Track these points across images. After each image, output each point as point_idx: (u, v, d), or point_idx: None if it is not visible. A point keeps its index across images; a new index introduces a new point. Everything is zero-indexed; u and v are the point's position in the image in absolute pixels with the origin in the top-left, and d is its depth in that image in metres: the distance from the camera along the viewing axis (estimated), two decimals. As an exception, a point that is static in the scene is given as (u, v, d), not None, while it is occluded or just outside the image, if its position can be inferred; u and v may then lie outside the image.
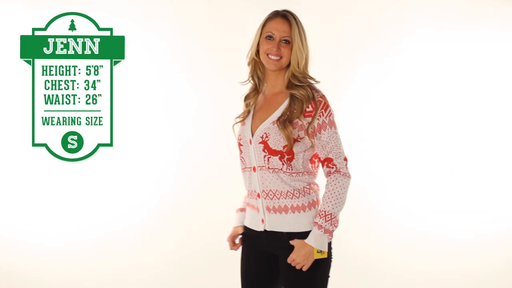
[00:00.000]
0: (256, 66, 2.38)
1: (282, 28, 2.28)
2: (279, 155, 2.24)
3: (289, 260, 2.21)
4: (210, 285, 3.93)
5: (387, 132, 4.02)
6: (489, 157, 4.04)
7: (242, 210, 2.48)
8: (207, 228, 3.96)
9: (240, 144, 2.36)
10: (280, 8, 2.38)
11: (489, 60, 4.04)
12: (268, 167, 2.26)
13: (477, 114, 4.05)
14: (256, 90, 2.41)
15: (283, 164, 2.24)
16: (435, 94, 4.03)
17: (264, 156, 2.26)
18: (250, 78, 2.42)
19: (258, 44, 2.33)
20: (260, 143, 2.26)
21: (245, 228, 2.41)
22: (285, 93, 2.30)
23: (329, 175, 2.24)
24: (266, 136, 2.25)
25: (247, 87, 3.89)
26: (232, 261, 3.69)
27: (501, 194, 4.05)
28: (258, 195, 2.30)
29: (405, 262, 4.01)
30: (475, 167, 4.04)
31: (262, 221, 2.31)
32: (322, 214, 2.19)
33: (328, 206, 2.19)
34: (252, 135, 2.29)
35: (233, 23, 3.97)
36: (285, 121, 2.21)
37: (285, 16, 2.30)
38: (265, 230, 2.30)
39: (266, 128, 2.26)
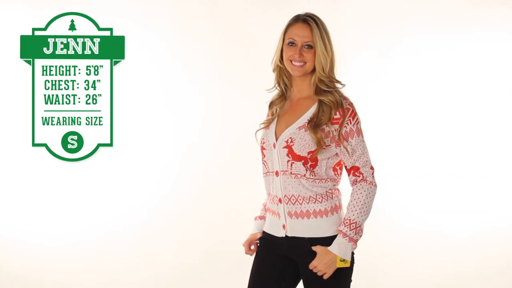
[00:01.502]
0: (282, 72, 2.33)
1: (303, 33, 2.23)
2: (303, 161, 2.20)
3: (310, 266, 2.18)
4: (210, 285, 3.92)
5: (387, 132, 4.00)
6: (490, 157, 4.03)
7: (262, 218, 2.44)
8: (207, 228, 3.96)
9: (263, 148, 2.32)
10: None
11: (490, 61, 4.02)
12: (291, 172, 2.22)
13: (477, 114, 4.03)
14: (283, 96, 2.36)
15: (306, 170, 2.21)
16: (436, 94, 4.02)
17: (288, 161, 2.22)
18: (276, 85, 2.37)
19: (281, 51, 2.29)
20: (284, 147, 2.23)
21: (264, 233, 2.37)
22: (312, 98, 2.26)
23: (355, 184, 2.21)
24: (291, 141, 2.21)
25: (247, 87, 3.95)
26: (232, 261, 3.70)
27: (502, 194, 4.04)
28: (280, 200, 2.26)
29: (407, 262, 4.00)
30: (476, 166, 4.02)
31: (283, 227, 2.26)
32: (347, 223, 2.16)
33: (353, 215, 2.16)
34: (276, 139, 2.26)
35: (233, 23, 3.97)
36: (315, 126, 2.18)
37: (305, 20, 2.25)
38: (286, 236, 2.26)
39: (292, 133, 2.22)
